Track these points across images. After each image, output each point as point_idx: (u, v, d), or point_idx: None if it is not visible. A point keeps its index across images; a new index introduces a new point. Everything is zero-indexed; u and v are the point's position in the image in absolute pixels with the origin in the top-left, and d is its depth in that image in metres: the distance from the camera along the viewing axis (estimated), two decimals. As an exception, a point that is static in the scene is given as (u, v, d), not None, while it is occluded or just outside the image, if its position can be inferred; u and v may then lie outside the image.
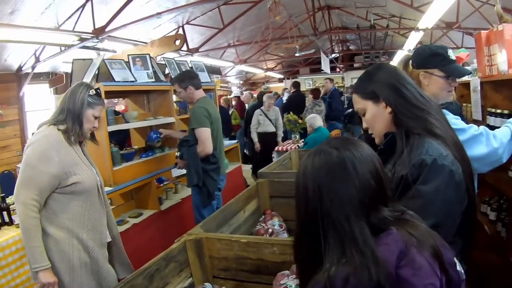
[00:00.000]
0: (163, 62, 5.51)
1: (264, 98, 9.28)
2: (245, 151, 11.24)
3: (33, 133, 2.68)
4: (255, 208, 3.63)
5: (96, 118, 2.73)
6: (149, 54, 4.92)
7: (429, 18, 7.93)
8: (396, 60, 13.91)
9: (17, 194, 2.44)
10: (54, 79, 9.27)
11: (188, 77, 4.38)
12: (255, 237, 2.77)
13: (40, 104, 9.70)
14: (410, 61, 2.32)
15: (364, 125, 1.81)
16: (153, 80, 4.81)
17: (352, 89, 2.24)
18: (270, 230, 3.33)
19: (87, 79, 4.12)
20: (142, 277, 2.01)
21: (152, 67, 4.85)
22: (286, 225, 3.51)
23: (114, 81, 4.24)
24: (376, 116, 1.75)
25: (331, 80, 12.14)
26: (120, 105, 10.16)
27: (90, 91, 2.71)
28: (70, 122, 2.60)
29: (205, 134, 4.17)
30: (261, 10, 9.66)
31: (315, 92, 10.46)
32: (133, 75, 4.49)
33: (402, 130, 1.66)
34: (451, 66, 2.23)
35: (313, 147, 4.37)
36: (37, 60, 8.41)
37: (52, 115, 2.69)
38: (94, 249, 2.64)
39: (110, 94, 4.83)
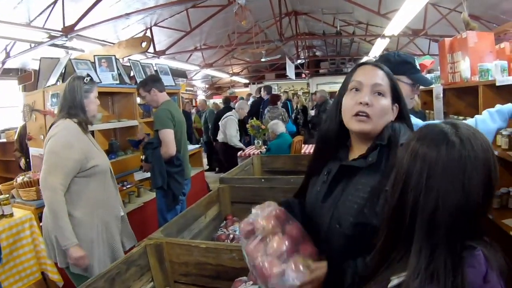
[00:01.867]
0: (129, 64, 5.48)
1: (238, 105, 9.01)
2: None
3: (51, 126, 2.95)
4: (217, 213, 3.64)
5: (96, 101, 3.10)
6: (114, 56, 4.91)
7: (396, 25, 8.07)
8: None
9: (45, 180, 2.74)
10: (23, 76, 9.20)
11: (151, 81, 4.43)
12: (215, 242, 2.77)
13: (8, 100, 9.67)
14: None
15: (360, 108, 1.51)
16: (118, 82, 4.80)
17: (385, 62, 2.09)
18: (231, 236, 3.34)
19: (53, 78, 4.20)
20: (103, 280, 2.00)
21: (118, 69, 4.84)
22: (247, 231, 3.54)
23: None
24: (388, 110, 1.56)
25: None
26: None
27: (84, 80, 3.02)
28: (81, 114, 2.96)
29: (168, 136, 4.22)
30: (228, 14, 9.65)
31: (274, 97, 10.30)
32: (98, 76, 4.48)
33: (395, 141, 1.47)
34: (419, 75, 2.36)
35: (276, 153, 4.42)
36: (7, 55, 8.31)
37: (62, 111, 2.97)
38: (111, 224, 3.03)
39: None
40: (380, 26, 10.38)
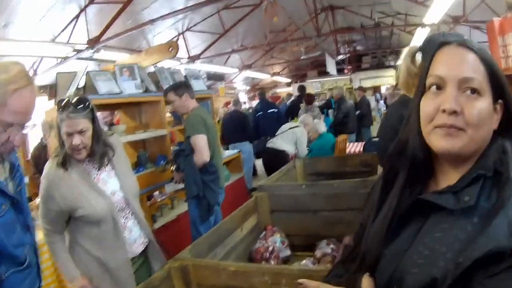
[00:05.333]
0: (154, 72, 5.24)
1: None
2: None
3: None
4: (255, 224, 3.37)
5: (69, 134, 2.30)
6: (136, 64, 4.67)
7: (435, 13, 7.70)
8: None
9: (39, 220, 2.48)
10: (52, 91, 9.17)
11: (184, 85, 4.27)
12: (245, 264, 2.51)
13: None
14: (419, 53, 1.99)
15: (443, 119, 0.95)
16: (142, 90, 4.55)
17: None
18: (270, 248, 3.09)
19: (70, 92, 3.88)
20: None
21: (141, 77, 4.60)
22: (288, 241, 3.28)
23: (98, 94, 4.02)
24: (488, 116, 0.99)
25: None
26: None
27: (61, 104, 2.33)
28: (61, 148, 2.37)
29: (201, 141, 3.99)
30: (262, 14, 9.39)
31: (308, 97, 9.83)
32: (119, 86, 4.25)
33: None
34: None
35: (318, 155, 4.09)
36: (35, 73, 8.30)
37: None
38: (114, 269, 2.46)
39: (100, 108, 4.59)
40: (419, 16, 9.96)
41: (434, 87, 1.01)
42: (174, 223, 4.70)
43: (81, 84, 4.18)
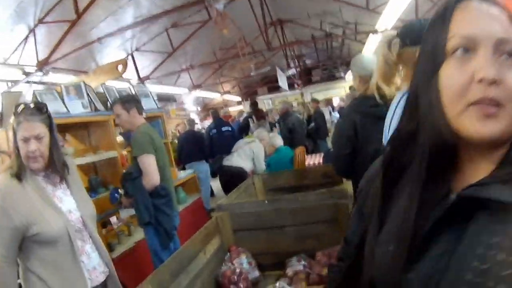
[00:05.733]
0: (103, 91, 4.93)
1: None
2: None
3: None
4: (218, 246, 3.13)
5: (26, 140, 2.14)
6: (83, 82, 4.38)
7: (387, 19, 7.72)
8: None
9: None
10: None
11: (133, 99, 3.91)
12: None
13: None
14: (395, 40, 1.83)
15: (482, 91, 0.71)
16: (89, 110, 4.26)
17: None
18: (237, 270, 2.87)
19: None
20: None
21: (88, 95, 4.30)
22: (255, 261, 3.06)
23: (44, 113, 3.71)
24: None
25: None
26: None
27: (18, 109, 2.20)
28: (17, 158, 2.19)
29: (149, 162, 3.67)
30: (211, 31, 9.40)
31: (259, 112, 9.82)
32: (66, 106, 3.96)
33: None
34: None
35: (277, 169, 3.90)
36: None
37: None
38: None
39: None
40: (370, 24, 10.09)
41: (460, 51, 0.76)
42: (133, 251, 4.39)
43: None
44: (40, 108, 2.22)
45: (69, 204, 2.32)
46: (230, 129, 9.19)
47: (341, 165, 3.06)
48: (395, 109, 1.87)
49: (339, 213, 2.90)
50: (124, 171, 4.31)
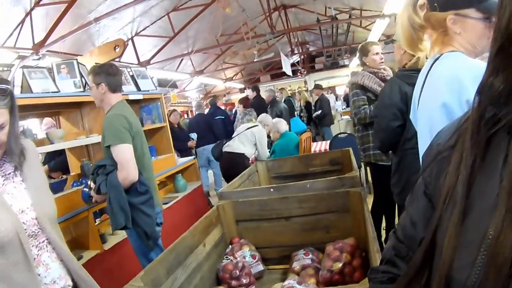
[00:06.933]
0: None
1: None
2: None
3: None
4: (219, 237, 2.91)
5: None
6: (76, 60, 4.08)
7: (395, 2, 7.34)
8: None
9: None
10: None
11: (105, 72, 3.21)
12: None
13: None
14: (422, 2, 1.57)
15: None
16: (82, 89, 3.93)
17: None
18: (240, 264, 2.64)
19: None
20: None
21: (81, 75, 3.99)
22: (259, 254, 2.84)
23: (32, 92, 3.43)
24: None
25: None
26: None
27: None
28: None
29: (126, 154, 3.06)
30: (213, 14, 9.07)
31: (244, 101, 9.56)
32: (56, 85, 3.66)
33: None
34: (492, 1, 1.41)
35: (282, 156, 3.62)
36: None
37: None
38: None
39: (36, 111, 4.03)
40: (376, 10, 9.98)
41: None
42: (127, 242, 3.78)
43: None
44: (2, 90, 1.73)
45: (21, 202, 1.85)
46: (223, 116, 9.27)
47: (388, 138, 2.96)
48: (426, 77, 1.62)
49: (350, 202, 2.70)
50: (93, 163, 3.85)
